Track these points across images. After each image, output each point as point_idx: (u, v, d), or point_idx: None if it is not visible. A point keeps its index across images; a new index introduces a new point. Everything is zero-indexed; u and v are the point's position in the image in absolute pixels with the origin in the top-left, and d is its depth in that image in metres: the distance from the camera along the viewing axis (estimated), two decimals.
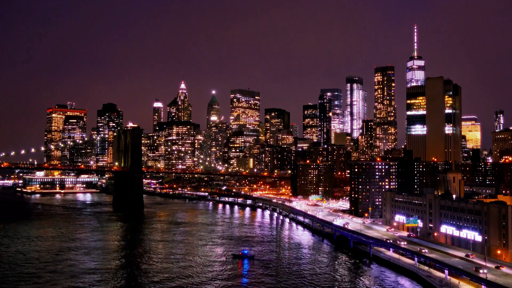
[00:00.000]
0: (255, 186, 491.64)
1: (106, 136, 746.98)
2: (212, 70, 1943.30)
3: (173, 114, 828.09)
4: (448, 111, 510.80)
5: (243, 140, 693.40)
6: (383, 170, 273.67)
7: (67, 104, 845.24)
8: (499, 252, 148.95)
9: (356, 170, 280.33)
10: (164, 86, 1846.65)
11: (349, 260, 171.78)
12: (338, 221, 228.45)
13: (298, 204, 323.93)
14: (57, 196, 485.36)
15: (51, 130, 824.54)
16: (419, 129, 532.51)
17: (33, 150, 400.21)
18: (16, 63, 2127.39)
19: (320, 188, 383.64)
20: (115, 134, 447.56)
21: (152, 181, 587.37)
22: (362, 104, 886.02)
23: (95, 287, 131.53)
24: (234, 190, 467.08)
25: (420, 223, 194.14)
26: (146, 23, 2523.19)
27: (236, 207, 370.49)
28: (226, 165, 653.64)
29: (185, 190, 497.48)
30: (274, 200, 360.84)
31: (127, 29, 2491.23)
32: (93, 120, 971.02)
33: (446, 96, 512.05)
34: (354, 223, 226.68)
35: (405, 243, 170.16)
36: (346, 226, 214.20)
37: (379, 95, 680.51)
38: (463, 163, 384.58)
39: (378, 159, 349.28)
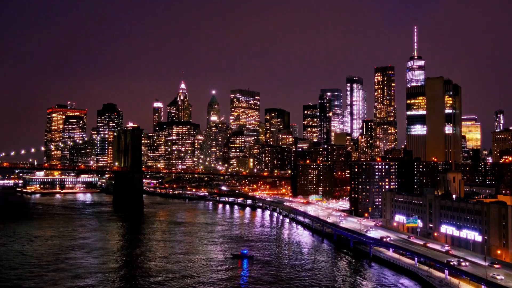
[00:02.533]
0: (255, 186, 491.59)
1: (106, 136, 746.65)
2: (212, 70, 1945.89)
3: (173, 114, 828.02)
4: (448, 111, 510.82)
5: (243, 140, 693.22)
6: (383, 170, 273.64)
7: (67, 104, 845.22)
8: (499, 252, 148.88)
9: (356, 170, 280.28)
10: (164, 86, 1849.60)
11: (349, 260, 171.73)
12: (372, 233, 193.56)
13: (313, 209, 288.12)
14: (57, 196, 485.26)
15: (51, 130, 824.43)
16: (419, 129, 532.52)
17: (33, 150, 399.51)
18: (16, 63, 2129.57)
19: (320, 188, 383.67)
20: (115, 134, 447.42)
21: (152, 181, 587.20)
22: (362, 104, 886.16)
23: (96, 287, 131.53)
24: (234, 190, 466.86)
25: (420, 223, 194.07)
26: (146, 23, 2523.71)
27: (236, 207, 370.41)
28: (226, 165, 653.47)
29: (185, 190, 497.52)
30: (281, 202, 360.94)
31: (127, 29, 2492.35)
32: (93, 120, 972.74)
33: (446, 96, 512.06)
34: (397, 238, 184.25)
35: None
36: (387, 240, 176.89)
37: (379, 95, 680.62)
38: (463, 163, 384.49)
39: (378, 159, 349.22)
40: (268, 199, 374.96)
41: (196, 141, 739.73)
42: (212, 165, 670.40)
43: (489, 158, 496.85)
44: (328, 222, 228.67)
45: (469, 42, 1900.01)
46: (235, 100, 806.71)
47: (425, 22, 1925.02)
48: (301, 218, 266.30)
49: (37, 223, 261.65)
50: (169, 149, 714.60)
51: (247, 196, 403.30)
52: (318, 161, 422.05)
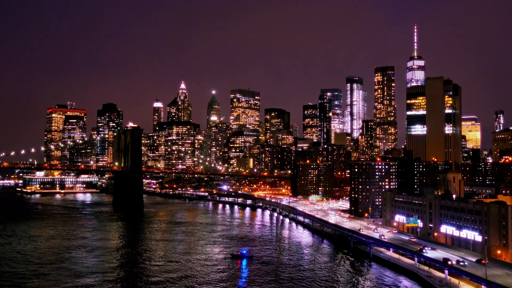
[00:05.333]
0: (255, 186, 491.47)
1: (106, 136, 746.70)
2: (212, 70, 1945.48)
3: (173, 114, 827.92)
4: (448, 111, 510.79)
5: (243, 140, 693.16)
6: (383, 170, 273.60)
7: (67, 104, 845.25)
8: (499, 252, 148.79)
9: (356, 170, 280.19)
10: (164, 86, 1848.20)
11: (349, 260, 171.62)
12: (430, 254, 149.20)
13: (315, 209, 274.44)
14: (57, 196, 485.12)
15: (51, 130, 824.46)
16: (419, 129, 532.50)
17: (33, 150, 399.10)
18: (16, 63, 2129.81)
19: (320, 188, 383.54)
20: (115, 134, 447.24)
21: (152, 181, 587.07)
22: (362, 104, 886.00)
23: (96, 287, 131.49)
24: (234, 190, 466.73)
25: (420, 223, 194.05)
26: (146, 23, 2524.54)
27: (236, 207, 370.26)
28: (226, 165, 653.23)
29: (185, 190, 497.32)
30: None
31: (127, 29, 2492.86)
32: (93, 120, 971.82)
33: (446, 96, 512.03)
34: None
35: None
36: (453, 264, 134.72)
37: (379, 95, 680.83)
38: (463, 163, 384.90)
39: (378, 159, 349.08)
40: (285, 203, 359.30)
41: (196, 141, 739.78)
42: (212, 165, 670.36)
43: (489, 158, 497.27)
44: (363, 234, 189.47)
45: (469, 42, 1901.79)
46: (235, 100, 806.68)
47: (425, 22, 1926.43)
48: (301, 218, 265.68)
49: (37, 223, 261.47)
50: (169, 149, 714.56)
51: (247, 196, 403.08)
52: (318, 161, 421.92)
